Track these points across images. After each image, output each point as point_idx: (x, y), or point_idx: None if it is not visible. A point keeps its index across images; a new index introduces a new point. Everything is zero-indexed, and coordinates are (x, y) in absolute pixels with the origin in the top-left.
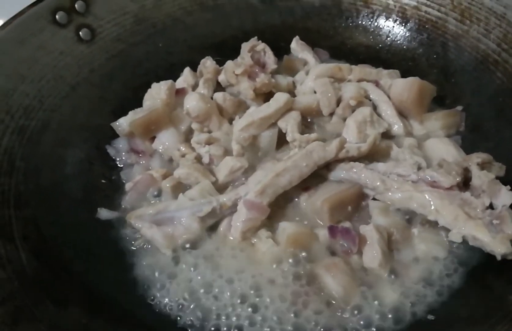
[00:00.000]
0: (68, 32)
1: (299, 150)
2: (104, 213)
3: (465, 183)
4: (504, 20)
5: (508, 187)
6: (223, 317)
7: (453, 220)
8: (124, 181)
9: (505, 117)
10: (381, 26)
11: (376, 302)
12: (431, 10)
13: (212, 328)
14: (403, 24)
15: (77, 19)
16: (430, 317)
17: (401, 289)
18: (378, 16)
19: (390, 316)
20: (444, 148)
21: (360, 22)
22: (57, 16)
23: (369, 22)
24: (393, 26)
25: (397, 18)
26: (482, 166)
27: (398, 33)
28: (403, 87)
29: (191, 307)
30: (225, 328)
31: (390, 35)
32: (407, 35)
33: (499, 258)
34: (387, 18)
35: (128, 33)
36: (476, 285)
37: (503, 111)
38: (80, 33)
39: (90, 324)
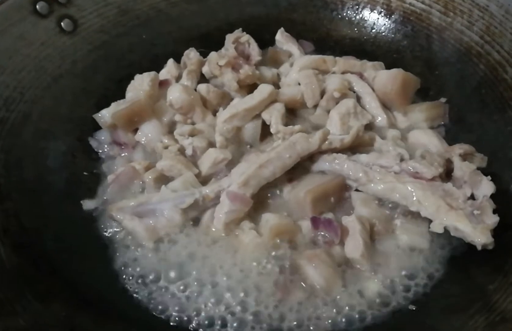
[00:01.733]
0: (50, 23)
1: (283, 142)
2: (88, 204)
3: (447, 174)
4: (487, 12)
5: (489, 177)
6: (206, 308)
7: (435, 210)
8: (106, 173)
9: (487, 110)
10: (366, 18)
11: (357, 292)
12: (416, 2)
13: (195, 319)
14: (388, 16)
15: (58, 9)
16: (411, 307)
17: (383, 280)
18: (363, 8)
19: (371, 306)
20: (427, 140)
21: (345, 14)
22: (37, 6)
23: (354, 14)
24: (378, 18)
25: (382, 10)
26: (464, 157)
27: (383, 25)
28: (387, 79)
29: (173, 299)
30: (207, 320)
31: (374, 27)
32: (391, 27)
33: (479, 248)
34: (371, 10)
35: (111, 24)
36: (457, 275)
37: (485, 103)
38: (62, 24)
39: (72, 318)
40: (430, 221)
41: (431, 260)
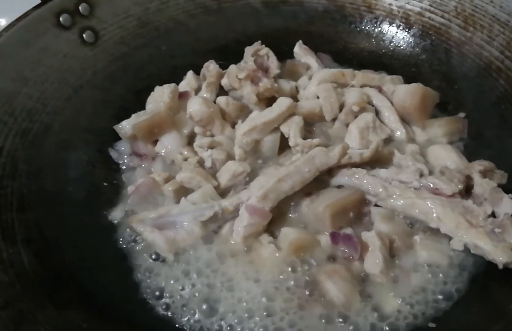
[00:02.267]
0: (72, 35)
1: (302, 155)
2: (113, 214)
3: (467, 191)
4: (507, 27)
5: (510, 195)
6: (223, 323)
7: (454, 227)
8: (126, 184)
9: (507, 125)
10: (384, 32)
11: (376, 309)
12: (435, 16)
13: None
14: (407, 30)
15: (81, 21)
16: (431, 325)
17: (402, 296)
18: (382, 21)
19: (390, 322)
20: (446, 155)
21: (363, 27)
22: (61, 19)
23: (373, 28)
24: (397, 32)
25: (401, 23)
26: (484, 174)
27: (401, 39)
28: (406, 93)
29: (192, 312)
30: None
31: (393, 40)
32: (410, 41)
33: (500, 266)
34: (390, 24)
35: (131, 36)
36: (478, 294)
37: (505, 119)
38: (84, 35)
39: (91, 328)
40: (450, 238)
41: (451, 278)
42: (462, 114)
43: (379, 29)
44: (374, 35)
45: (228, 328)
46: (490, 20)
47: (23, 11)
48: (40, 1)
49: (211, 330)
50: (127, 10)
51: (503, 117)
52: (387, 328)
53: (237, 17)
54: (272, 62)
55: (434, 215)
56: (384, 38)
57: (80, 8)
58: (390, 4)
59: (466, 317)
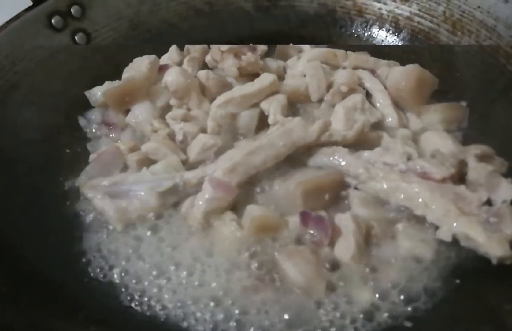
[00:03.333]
0: (64, 37)
1: (278, 128)
2: (72, 182)
3: (462, 179)
4: (494, 32)
5: (510, 179)
6: (172, 301)
7: (443, 215)
8: (90, 153)
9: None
10: (374, 36)
11: (345, 300)
12: (424, 21)
13: (162, 310)
14: (396, 34)
15: (73, 23)
16: (407, 324)
17: (377, 290)
18: (372, 25)
19: (360, 317)
20: (440, 142)
21: (353, 31)
22: (53, 21)
23: (363, 32)
24: (386, 36)
25: (390, 27)
26: (481, 159)
27: (391, 43)
28: (401, 74)
29: (137, 287)
30: (174, 312)
31: (383, 44)
32: (399, 45)
33: (494, 261)
34: (380, 28)
35: (123, 38)
36: (466, 292)
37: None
38: (76, 37)
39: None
40: (437, 228)
41: (436, 272)
42: (463, 103)
43: (369, 33)
44: (364, 39)
45: (174, 305)
46: (477, 25)
47: (14, 13)
48: (31, 3)
49: (156, 307)
50: (119, 12)
51: (509, 107)
52: (354, 324)
53: (229, 20)
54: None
55: (420, 200)
56: (374, 42)
57: (72, 10)
58: (380, 9)
59: (449, 319)
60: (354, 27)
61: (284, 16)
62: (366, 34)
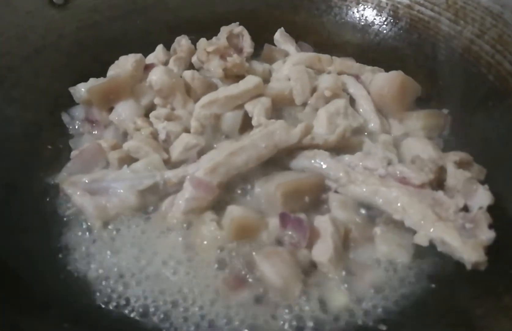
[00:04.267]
0: None
1: (260, 130)
2: (51, 178)
3: (440, 185)
4: (500, 20)
5: (486, 186)
6: (148, 299)
7: (420, 220)
8: (72, 150)
9: (493, 123)
10: (370, 24)
11: (320, 302)
12: (424, 9)
13: (138, 309)
14: (394, 23)
15: None
16: (382, 327)
17: (353, 292)
18: (369, 13)
19: (334, 320)
20: (420, 148)
21: (349, 19)
22: None
23: (358, 20)
24: (383, 25)
25: (388, 16)
26: (460, 166)
27: (388, 32)
28: (384, 80)
29: (112, 285)
30: (140, 308)
31: (379, 34)
32: (397, 34)
33: (469, 267)
34: (377, 16)
35: (106, 5)
36: (440, 296)
37: (491, 117)
38: None
39: None
40: (414, 233)
41: (412, 277)
42: (445, 111)
43: (365, 21)
44: (359, 27)
45: (150, 303)
46: (482, 13)
47: None
48: None
49: (132, 305)
50: None
51: (489, 115)
52: (329, 326)
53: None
54: (246, 41)
55: (399, 205)
56: (369, 31)
57: None
58: None
59: (423, 322)
60: (349, 16)
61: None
62: (361, 23)
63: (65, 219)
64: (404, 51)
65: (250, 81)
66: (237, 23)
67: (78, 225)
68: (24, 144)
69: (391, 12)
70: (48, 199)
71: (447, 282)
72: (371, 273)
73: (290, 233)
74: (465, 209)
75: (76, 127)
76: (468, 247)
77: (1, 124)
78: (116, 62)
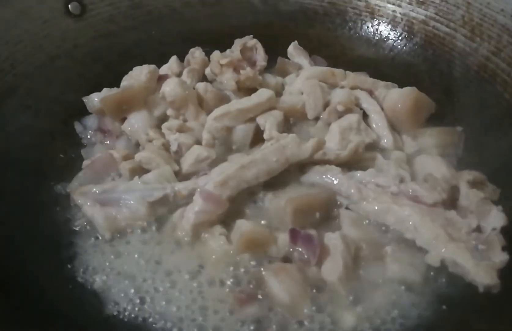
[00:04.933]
0: (56, 3)
1: (272, 144)
2: (63, 187)
3: (453, 204)
4: None
5: (500, 207)
6: (156, 313)
7: (432, 239)
8: (84, 159)
9: (508, 142)
10: (384, 39)
11: (329, 321)
12: (440, 25)
13: (141, 323)
14: (409, 39)
15: None
16: None
17: (362, 313)
18: (383, 28)
19: None
20: (434, 166)
21: (363, 33)
22: None
23: (373, 34)
24: (398, 40)
25: (403, 32)
26: (473, 185)
27: (402, 48)
28: (398, 96)
29: (120, 297)
30: (154, 324)
31: (393, 49)
32: (411, 50)
33: (481, 289)
34: (392, 31)
35: (122, 16)
36: (452, 319)
37: (506, 135)
38: (69, 6)
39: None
40: (426, 253)
41: (423, 297)
42: (459, 128)
43: (380, 36)
44: (373, 42)
45: (155, 318)
46: (499, 30)
47: None
48: None
49: (138, 319)
50: None
51: (504, 134)
52: None
53: (234, 12)
54: (259, 54)
55: (411, 224)
56: (384, 46)
57: None
58: (393, 11)
59: None
60: (364, 30)
61: (291, 13)
62: (376, 37)
63: (75, 229)
64: (419, 67)
65: (262, 95)
66: (251, 36)
67: (88, 235)
68: (36, 153)
69: (406, 27)
70: (58, 209)
71: (458, 304)
72: (382, 292)
73: (300, 249)
74: (478, 229)
75: (89, 137)
76: (481, 269)
77: (14, 132)
78: (130, 72)
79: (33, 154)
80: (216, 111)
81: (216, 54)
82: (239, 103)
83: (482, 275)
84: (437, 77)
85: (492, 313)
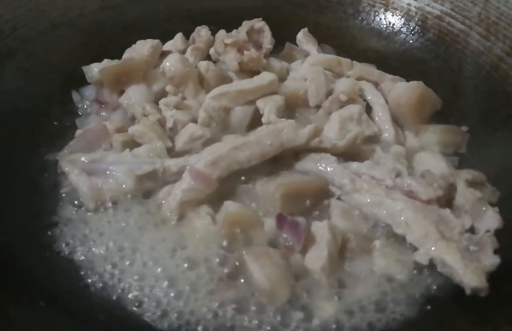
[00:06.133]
0: None
1: (267, 127)
2: (52, 155)
3: (449, 203)
4: None
5: (496, 209)
6: (131, 288)
7: (422, 236)
8: (78, 129)
9: None
10: (396, 33)
11: (306, 310)
12: (455, 22)
13: (113, 294)
14: (421, 34)
15: None
16: None
17: (343, 305)
18: (396, 21)
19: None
20: (433, 163)
21: (375, 25)
22: None
23: (385, 27)
24: (410, 34)
25: (416, 26)
26: (472, 185)
27: (414, 43)
28: (404, 90)
29: (97, 268)
30: (127, 296)
31: (405, 43)
32: (423, 45)
33: (468, 292)
34: (404, 25)
35: None
36: (436, 319)
37: None
38: None
39: None
40: (415, 250)
41: (408, 296)
42: (464, 128)
43: (392, 29)
44: (385, 35)
45: (128, 291)
46: None
47: None
48: None
49: (115, 292)
50: None
51: (510, 137)
52: None
53: None
54: (266, 37)
55: (402, 219)
56: (395, 39)
57: None
58: (408, 4)
59: None
60: (376, 21)
61: None
62: (388, 30)
63: (60, 196)
64: (429, 64)
65: (264, 78)
66: (260, 18)
67: (72, 204)
68: (31, 118)
69: (419, 22)
70: (46, 175)
71: (443, 305)
72: (365, 286)
73: (285, 235)
74: (472, 230)
75: (85, 107)
76: (469, 271)
77: (10, 95)
78: (133, 46)
79: (27, 118)
80: (215, 91)
81: (221, 33)
82: (239, 85)
83: (470, 277)
84: (447, 74)
85: (477, 316)
